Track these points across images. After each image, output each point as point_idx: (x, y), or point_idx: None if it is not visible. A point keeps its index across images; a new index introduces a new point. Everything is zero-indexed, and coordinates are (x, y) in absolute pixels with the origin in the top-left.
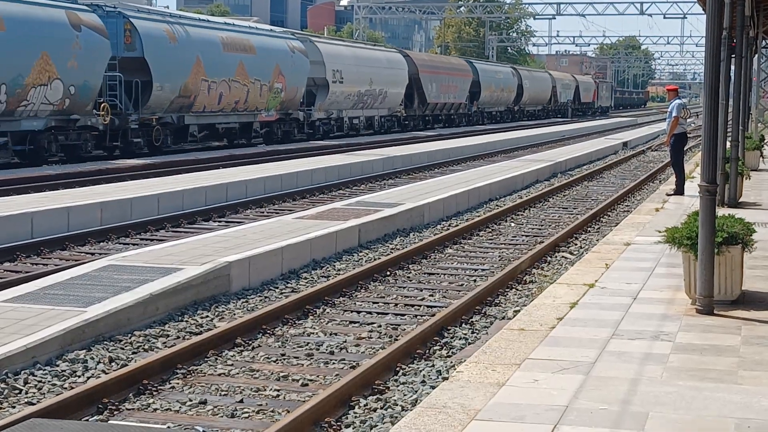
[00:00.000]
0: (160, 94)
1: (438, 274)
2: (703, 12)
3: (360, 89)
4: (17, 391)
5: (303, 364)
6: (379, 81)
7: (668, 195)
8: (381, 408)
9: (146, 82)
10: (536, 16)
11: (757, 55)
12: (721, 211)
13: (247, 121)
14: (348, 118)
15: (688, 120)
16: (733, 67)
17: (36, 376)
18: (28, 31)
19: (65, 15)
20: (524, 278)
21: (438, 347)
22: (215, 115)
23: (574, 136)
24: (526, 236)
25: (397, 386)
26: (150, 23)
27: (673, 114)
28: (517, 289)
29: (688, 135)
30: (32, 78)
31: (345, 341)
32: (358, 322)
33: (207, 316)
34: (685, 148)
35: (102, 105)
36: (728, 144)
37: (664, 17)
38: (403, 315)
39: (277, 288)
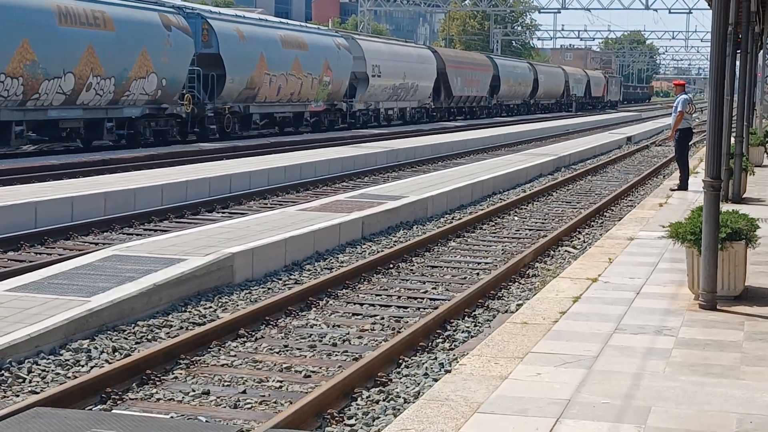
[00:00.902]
0: (231, 87)
1: (441, 267)
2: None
3: (395, 83)
4: (21, 380)
5: (306, 356)
6: (411, 75)
7: (672, 190)
8: (383, 400)
9: (220, 75)
10: (541, 10)
11: (762, 51)
12: (725, 207)
13: (299, 111)
14: (384, 109)
15: (693, 115)
16: (738, 63)
17: (39, 365)
18: (132, 31)
19: (158, 17)
20: (527, 272)
21: (441, 340)
22: (274, 105)
23: (579, 130)
24: (530, 230)
25: (400, 378)
26: (223, 23)
27: (678, 109)
28: (520, 283)
29: (693, 130)
30: (134, 72)
31: (348, 333)
32: (361, 314)
33: (210, 307)
34: (689, 144)
35: (186, 96)
36: (732, 140)
37: (669, 12)
38: (406, 307)
39: (281, 279)
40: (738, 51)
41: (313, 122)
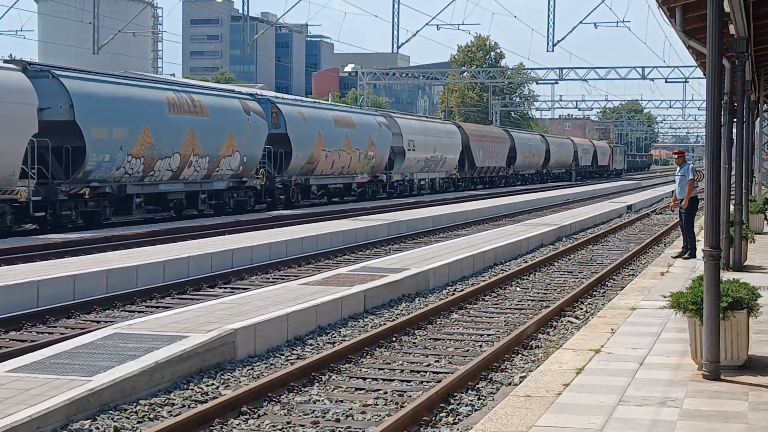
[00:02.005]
0: (296, 161)
1: (444, 339)
2: (704, 76)
3: (427, 155)
4: None
5: None
6: (440, 149)
7: (674, 257)
8: None
9: (287, 152)
10: (539, 81)
11: (759, 119)
12: (725, 276)
13: (348, 182)
14: (417, 179)
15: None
16: (735, 131)
17: None
18: (221, 116)
19: (239, 103)
20: (530, 343)
21: (444, 414)
22: (328, 177)
23: (578, 199)
24: (532, 301)
25: None
26: (288, 106)
27: (690, 177)
28: (523, 355)
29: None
30: (223, 151)
31: (351, 408)
32: (364, 388)
33: (212, 384)
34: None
35: (260, 170)
36: (732, 207)
37: (666, 81)
38: (409, 381)
39: (283, 355)
40: (735, 119)
41: (359, 192)
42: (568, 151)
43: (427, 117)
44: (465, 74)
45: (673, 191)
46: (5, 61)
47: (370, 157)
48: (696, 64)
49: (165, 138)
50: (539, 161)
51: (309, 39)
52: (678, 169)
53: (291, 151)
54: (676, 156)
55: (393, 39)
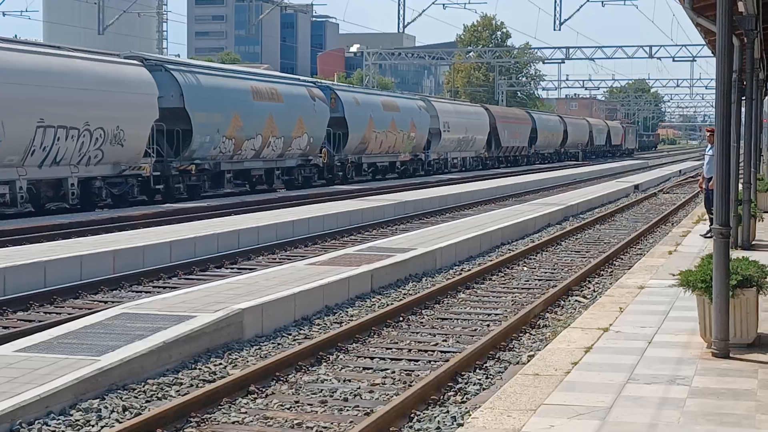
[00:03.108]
0: (351, 142)
1: (451, 319)
2: (712, 55)
3: (459, 136)
4: None
5: (317, 411)
6: (471, 130)
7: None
8: None
9: (344, 133)
10: (545, 61)
11: (767, 97)
12: (734, 254)
13: (392, 161)
14: (451, 158)
15: None
16: (743, 109)
17: (50, 425)
18: (293, 102)
19: (306, 90)
20: (538, 323)
21: (452, 393)
22: (377, 156)
23: (585, 179)
24: (539, 280)
25: None
26: (345, 93)
27: None
28: (531, 334)
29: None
30: (294, 133)
31: (359, 388)
32: (372, 368)
33: (220, 364)
34: None
35: (323, 150)
36: (740, 186)
37: (673, 60)
38: (417, 361)
39: (290, 335)
40: (743, 98)
41: (402, 169)
42: (583, 131)
43: (460, 101)
44: (471, 54)
45: (700, 172)
46: (125, 57)
47: (412, 137)
48: (704, 43)
49: (250, 122)
50: (557, 141)
51: (314, 19)
52: (708, 147)
53: (347, 133)
54: (708, 134)
55: (399, 19)
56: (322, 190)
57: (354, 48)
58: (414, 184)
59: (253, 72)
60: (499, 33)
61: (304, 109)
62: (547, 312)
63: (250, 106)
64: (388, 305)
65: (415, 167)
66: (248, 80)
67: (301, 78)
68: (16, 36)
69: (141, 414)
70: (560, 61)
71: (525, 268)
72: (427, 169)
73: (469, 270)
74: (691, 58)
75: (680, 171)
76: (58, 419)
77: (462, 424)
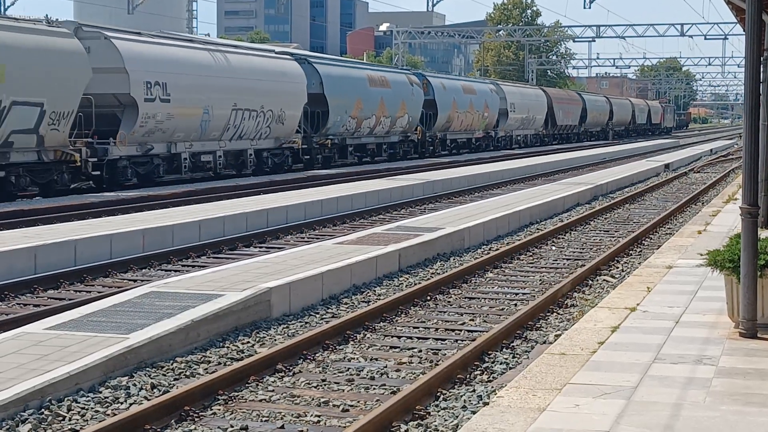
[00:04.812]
0: (439, 121)
1: (478, 298)
2: (743, 33)
3: (523, 116)
4: (61, 418)
5: (344, 390)
6: (532, 110)
7: None
8: None
9: (434, 113)
10: (575, 39)
11: None
12: (763, 234)
13: (469, 138)
14: (515, 135)
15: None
16: None
17: (79, 402)
18: (397, 88)
19: (406, 77)
20: (565, 302)
21: (479, 372)
22: (458, 133)
23: (615, 158)
24: (567, 260)
25: (438, 411)
26: (435, 79)
27: None
28: (558, 313)
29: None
30: (398, 113)
31: (385, 366)
32: (399, 347)
33: (248, 342)
34: None
35: (418, 128)
36: None
37: (705, 38)
38: (444, 340)
39: (318, 313)
40: None
41: (476, 145)
42: (627, 110)
43: (523, 84)
44: (501, 32)
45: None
46: (279, 52)
47: (485, 117)
48: (736, 20)
49: (368, 104)
50: (604, 120)
51: None
52: None
53: (437, 113)
54: None
55: None
56: (410, 163)
57: (383, 27)
58: (490, 157)
59: (367, 63)
60: (529, 11)
61: (405, 94)
62: (575, 291)
63: (368, 92)
64: (415, 284)
65: (486, 144)
66: (365, 69)
67: (399, 67)
68: (47, 16)
69: (169, 391)
70: (591, 39)
71: (553, 248)
72: (496, 145)
73: (497, 249)
74: (723, 36)
75: (711, 150)
76: (87, 396)
77: (488, 403)
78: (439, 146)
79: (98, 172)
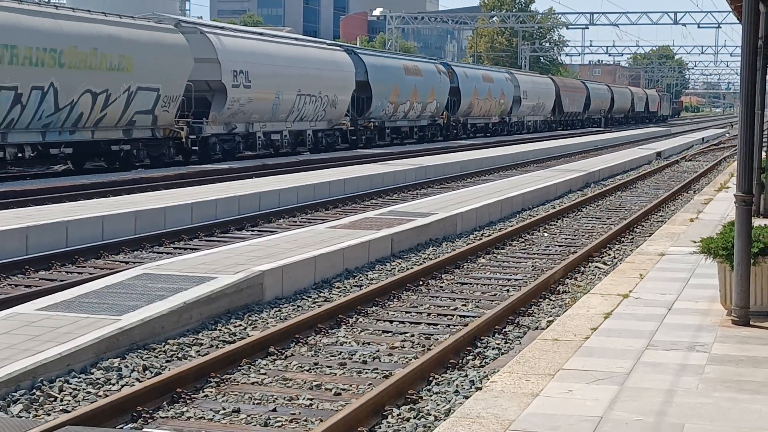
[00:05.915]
0: (462, 107)
1: (471, 283)
2: (737, 21)
3: (533, 103)
4: (52, 399)
5: (336, 374)
6: (542, 97)
7: None
8: (414, 418)
9: (458, 100)
10: (569, 26)
11: None
12: (756, 222)
13: (487, 122)
14: (526, 120)
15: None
16: None
17: (71, 383)
18: (428, 76)
19: (434, 66)
20: (558, 288)
21: (471, 357)
22: (477, 118)
23: (607, 146)
24: (560, 246)
25: (431, 396)
26: (459, 68)
27: None
28: (551, 300)
29: (725, 145)
30: (428, 99)
31: (378, 351)
32: (391, 331)
33: (240, 325)
34: None
35: (443, 113)
36: (764, 154)
37: (698, 26)
38: (436, 325)
39: (310, 297)
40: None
41: (493, 129)
42: (627, 99)
43: (533, 73)
44: (494, 19)
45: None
46: (329, 44)
47: (501, 103)
48: (730, 9)
49: (404, 91)
50: (606, 107)
51: None
52: None
53: (460, 99)
54: None
55: None
56: (434, 145)
57: (377, 12)
58: (505, 141)
59: (402, 54)
60: None
61: (434, 82)
62: (567, 278)
63: (404, 80)
64: (408, 269)
65: (501, 128)
66: (400, 59)
67: (427, 56)
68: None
69: (161, 373)
70: (584, 26)
71: (546, 234)
72: (509, 130)
73: (490, 235)
74: (716, 25)
75: (703, 138)
76: (79, 377)
77: (480, 388)
78: (461, 129)
79: (195, 147)
